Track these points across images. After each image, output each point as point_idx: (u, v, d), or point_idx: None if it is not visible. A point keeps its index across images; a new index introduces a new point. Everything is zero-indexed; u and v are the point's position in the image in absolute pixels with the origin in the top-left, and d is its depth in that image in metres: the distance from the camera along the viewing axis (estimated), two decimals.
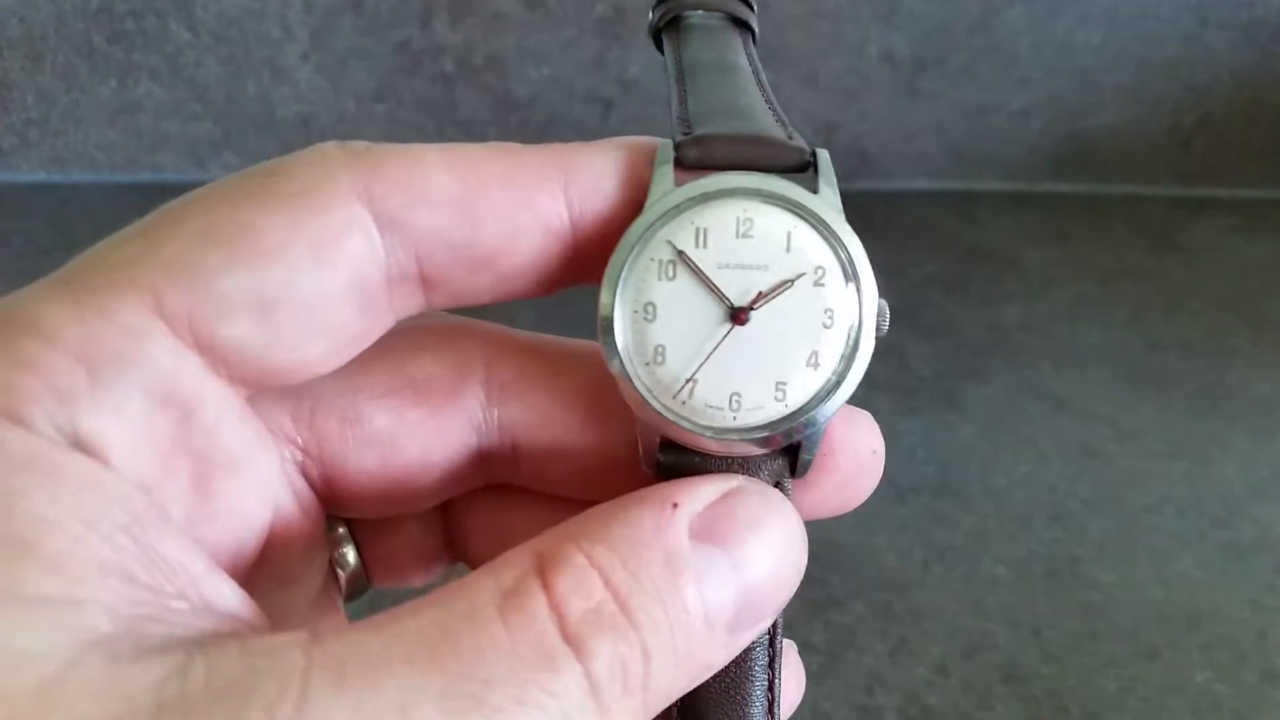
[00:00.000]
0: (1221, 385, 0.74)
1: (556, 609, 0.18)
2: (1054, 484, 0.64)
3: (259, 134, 0.97)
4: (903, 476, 0.64)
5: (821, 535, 0.57)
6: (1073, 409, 0.71)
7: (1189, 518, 0.62)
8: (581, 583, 0.18)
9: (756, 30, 0.27)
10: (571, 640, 0.17)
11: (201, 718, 0.15)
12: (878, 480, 0.24)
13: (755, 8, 0.27)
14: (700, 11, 0.27)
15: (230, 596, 0.19)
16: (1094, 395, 0.73)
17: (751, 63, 0.26)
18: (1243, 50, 0.99)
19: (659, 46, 0.27)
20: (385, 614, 0.18)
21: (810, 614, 0.53)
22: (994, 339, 0.80)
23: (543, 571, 0.18)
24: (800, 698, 0.26)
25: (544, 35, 0.95)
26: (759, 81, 0.25)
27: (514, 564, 0.18)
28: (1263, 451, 0.67)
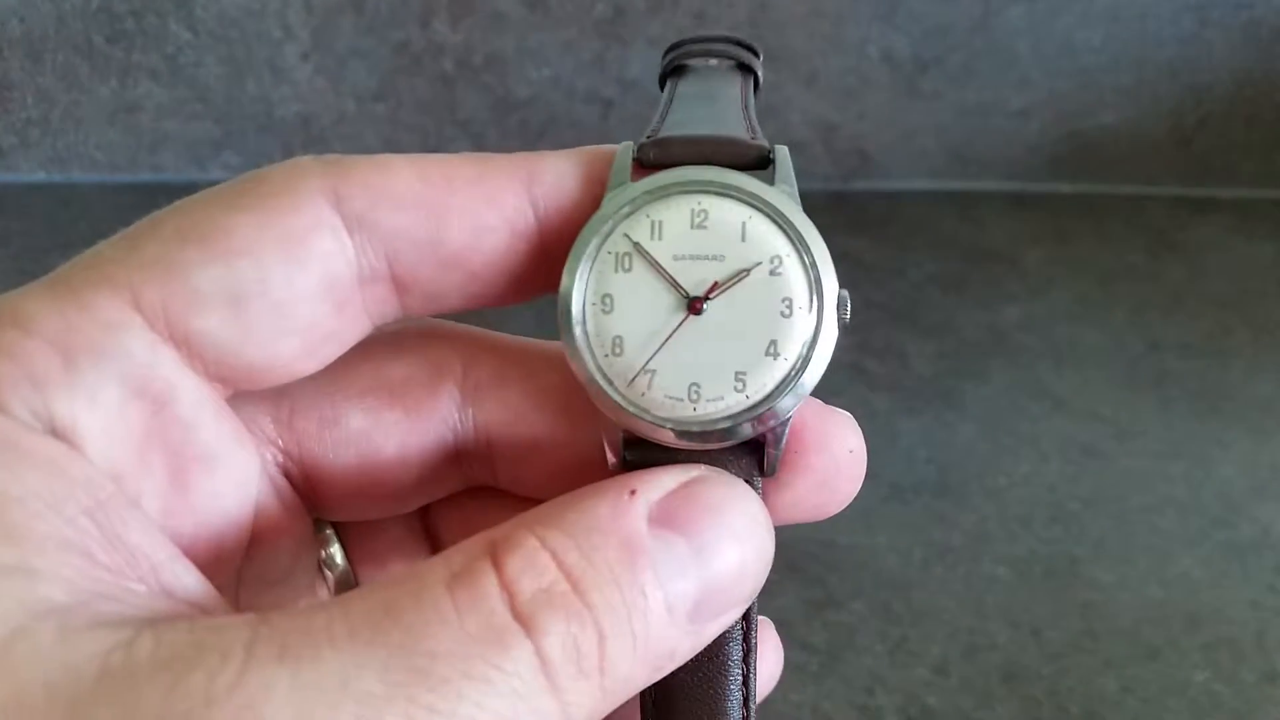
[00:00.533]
0: (1222, 385, 0.74)
1: (507, 588, 0.18)
2: (1054, 484, 0.64)
3: (259, 134, 0.97)
4: (902, 476, 0.64)
5: (820, 535, 0.57)
6: (1073, 409, 0.71)
7: (1189, 518, 0.62)
8: (533, 563, 0.18)
9: (760, 75, 0.27)
10: (521, 618, 0.17)
11: (144, 685, 0.16)
12: (858, 483, 0.23)
13: (760, 55, 0.28)
14: (714, 61, 0.27)
15: (191, 585, 0.19)
16: (1094, 395, 0.73)
17: (743, 95, 0.26)
18: (1243, 50, 0.99)
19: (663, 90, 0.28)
20: (337, 597, 0.18)
21: (809, 614, 0.53)
22: (994, 339, 0.79)
23: (494, 554, 0.18)
24: (779, 670, 0.26)
25: (544, 35, 0.95)
26: (745, 107, 0.25)
27: (466, 549, 0.19)
28: (1263, 451, 0.67)
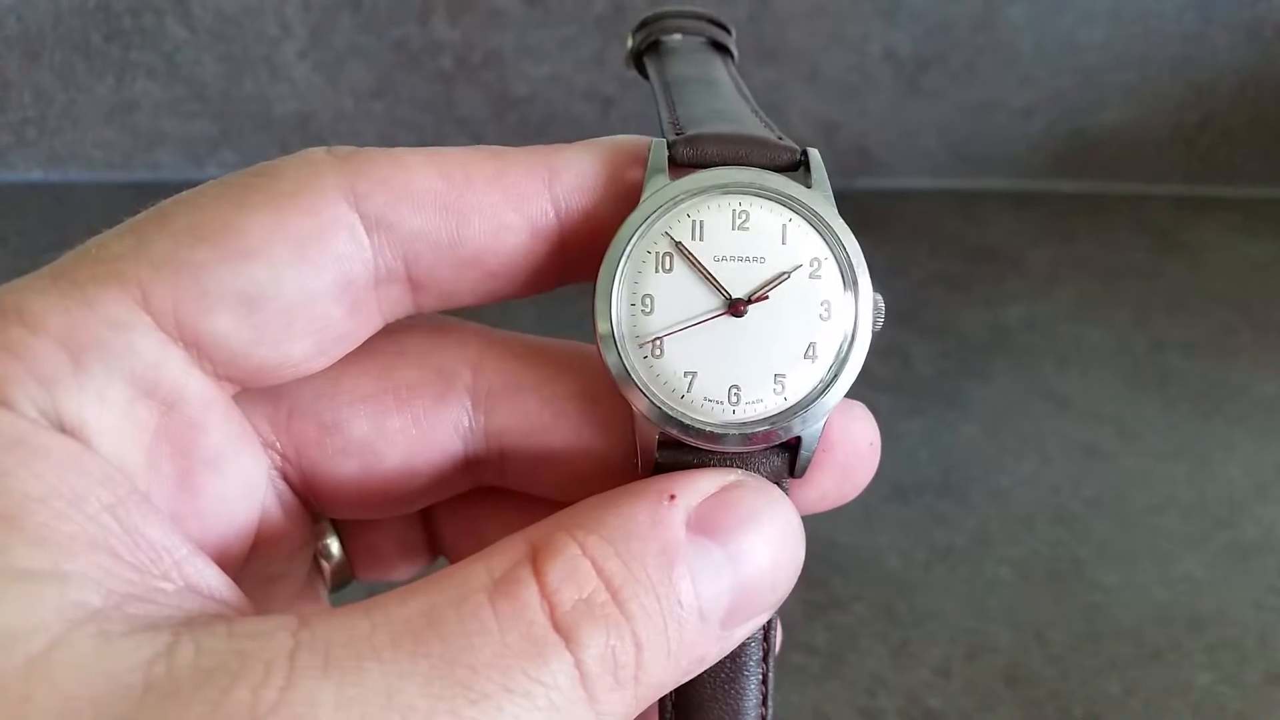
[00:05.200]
0: (1225, 385, 0.74)
1: (548, 598, 0.18)
2: (1057, 485, 0.64)
3: (256, 132, 0.97)
4: (905, 477, 0.63)
5: (823, 536, 0.57)
6: (1075, 409, 0.71)
7: (1192, 519, 0.61)
8: (574, 572, 0.18)
9: (735, 53, 0.28)
10: (562, 629, 0.17)
11: (188, 698, 0.15)
12: (874, 472, 0.24)
13: (733, 33, 0.28)
14: (679, 36, 0.27)
15: (214, 580, 0.19)
16: (1097, 395, 0.72)
17: (733, 78, 0.26)
18: (1246, 49, 0.98)
19: (640, 71, 0.28)
20: (375, 599, 0.18)
21: (812, 615, 0.53)
22: (996, 338, 0.79)
23: (535, 560, 0.18)
24: (779, 643, 0.26)
25: (543, 32, 0.95)
26: (742, 94, 0.25)
27: (506, 552, 0.18)
28: (1266, 452, 0.67)
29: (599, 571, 0.18)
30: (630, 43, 0.28)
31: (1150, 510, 0.62)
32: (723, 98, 0.25)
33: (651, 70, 0.27)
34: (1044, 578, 0.57)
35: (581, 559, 0.18)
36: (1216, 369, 0.76)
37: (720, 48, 0.28)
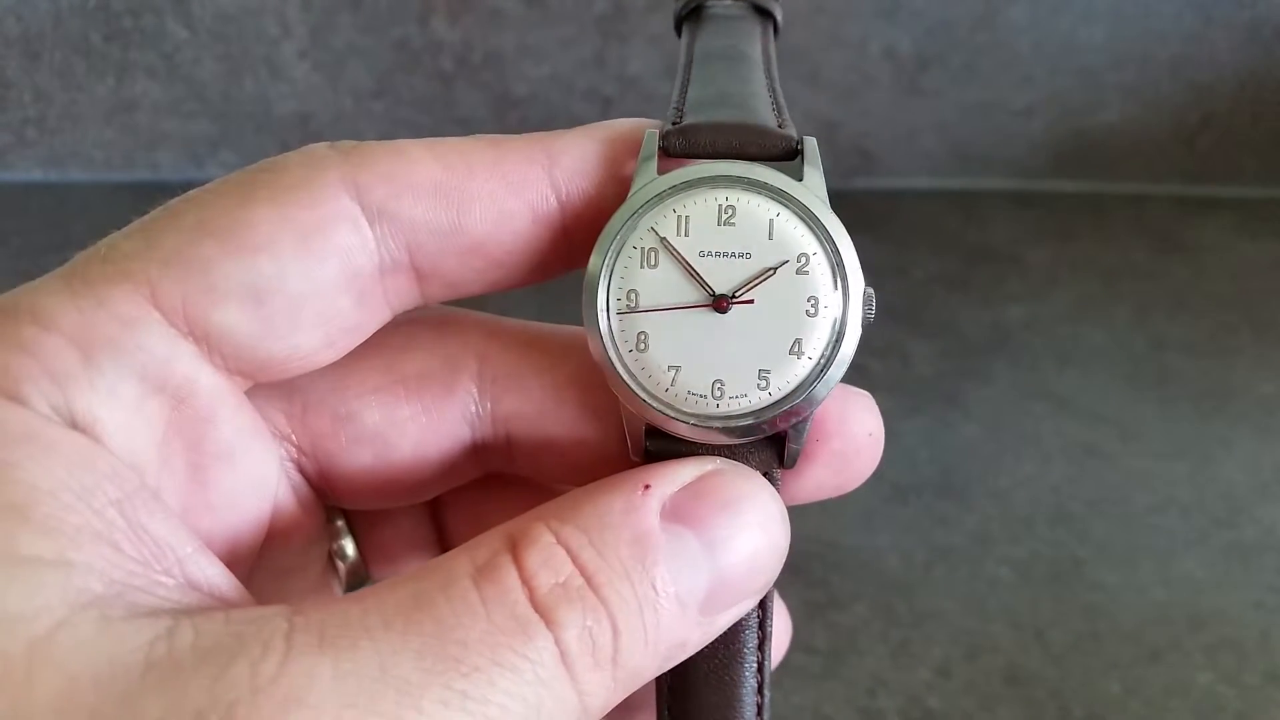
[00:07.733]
0: (1225, 385, 0.74)
1: (526, 582, 0.18)
2: (1057, 485, 0.64)
3: (256, 132, 0.97)
4: (904, 477, 0.63)
5: (823, 536, 0.57)
6: (1076, 409, 0.71)
7: (1192, 518, 0.61)
8: (550, 559, 0.19)
9: (779, 19, 0.27)
10: (541, 610, 0.18)
11: (188, 676, 0.16)
12: (876, 462, 0.24)
13: None
14: (724, 1, 0.27)
15: (216, 577, 0.19)
16: (1097, 395, 0.72)
17: (765, 52, 0.26)
18: (1246, 49, 0.98)
19: (680, 35, 0.27)
20: (366, 588, 0.18)
21: (811, 615, 0.53)
22: (996, 338, 0.79)
23: (514, 549, 0.19)
24: (788, 639, 0.26)
25: (543, 32, 0.95)
26: (768, 72, 0.25)
27: (488, 543, 0.19)
28: (1266, 452, 0.67)
29: (574, 559, 0.19)
30: (675, 6, 0.28)
31: (1150, 510, 0.62)
32: (739, 77, 0.24)
33: (685, 39, 0.26)
34: (1044, 578, 0.57)
35: (556, 547, 0.19)
36: (1216, 369, 0.76)
37: (764, 14, 0.27)
